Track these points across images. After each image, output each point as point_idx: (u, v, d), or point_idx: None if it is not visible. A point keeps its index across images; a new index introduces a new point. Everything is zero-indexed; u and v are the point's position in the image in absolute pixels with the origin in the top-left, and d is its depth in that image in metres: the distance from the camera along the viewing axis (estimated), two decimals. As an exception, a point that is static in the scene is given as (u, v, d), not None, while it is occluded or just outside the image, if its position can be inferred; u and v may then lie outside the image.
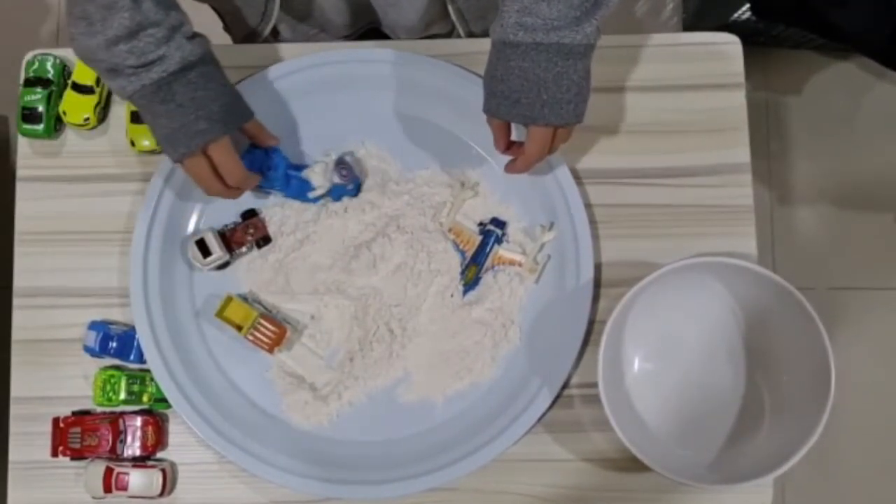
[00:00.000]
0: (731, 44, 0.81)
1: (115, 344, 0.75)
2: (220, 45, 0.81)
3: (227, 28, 0.96)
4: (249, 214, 0.77)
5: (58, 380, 0.77)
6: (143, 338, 0.74)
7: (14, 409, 0.77)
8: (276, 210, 0.78)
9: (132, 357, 0.75)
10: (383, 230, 0.76)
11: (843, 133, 1.54)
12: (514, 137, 0.71)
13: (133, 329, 0.75)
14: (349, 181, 0.76)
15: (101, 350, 0.75)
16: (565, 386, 0.75)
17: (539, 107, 0.64)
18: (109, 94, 0.81)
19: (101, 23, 0.61)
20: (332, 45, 0.81)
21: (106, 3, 0.60)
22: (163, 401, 0.75)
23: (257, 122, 0.73)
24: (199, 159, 0.67)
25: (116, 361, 0.76)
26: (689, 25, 1.54)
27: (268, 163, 0.74)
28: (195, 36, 0.66)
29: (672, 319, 0.76)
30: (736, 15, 1.39)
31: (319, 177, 0.76)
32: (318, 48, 0.80)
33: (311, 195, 0.76)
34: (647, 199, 0.79)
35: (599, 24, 0.63)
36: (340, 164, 0.76)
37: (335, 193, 0.77)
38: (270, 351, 0.74)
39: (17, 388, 0.77)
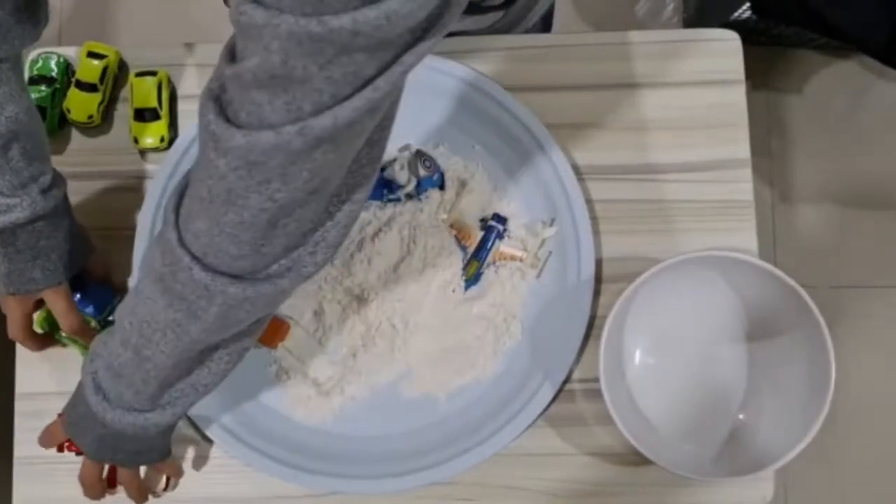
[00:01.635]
0: (730, 40, 0.81)
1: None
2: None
3: None
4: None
5: (62, 375, 0.77)
6: None
7: (19, 405, 0.77)
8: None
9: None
10: (385, 226, 0.77)
11: (845, 132, 1.54)
12: None
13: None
14: (433, 171, 0.76)
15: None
16: (567, 381, 0.76)
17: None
18: (113, 92, 0.81)
19: None
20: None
21: (35, 172, 0.63)
22: None
23: (102, 261, 0.75)
24: (21, 300, 0.68)
25: None
26: (690, 25, 1.55)
27: None
28: (52, 187, 0.65)
29: (673, 314, 0.77)
30: (736, 14, 1.39)
31: (405, 173, 0.75)
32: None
33: (401, 193, 0.76)
34: (647, 194, 0.79)
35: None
36: (421, 156, 0.76)
37: (422, 186, 0.77)
38: (272, 346, 0.75)
39: (21, 383, 0.77)
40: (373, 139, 0.48)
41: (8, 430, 0.77)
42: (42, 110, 0.79)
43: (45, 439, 0.69)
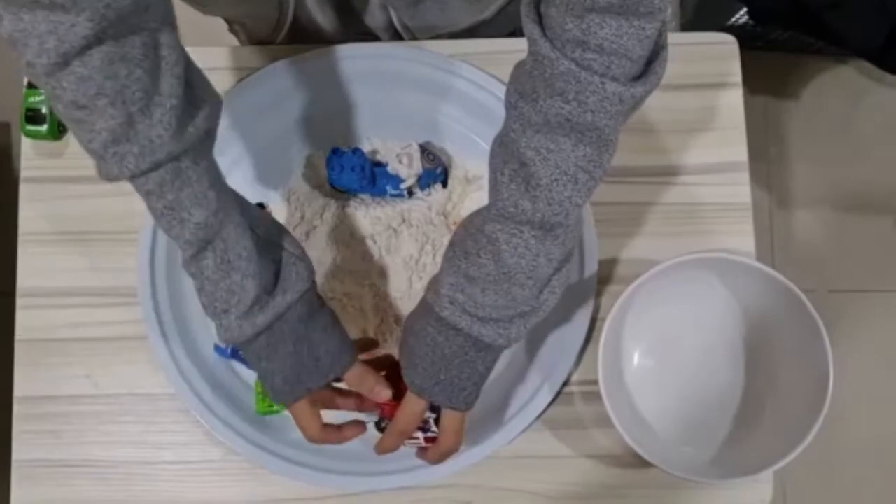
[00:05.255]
0: (727, 44, 0.82)
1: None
2: (228, 48, 0.82)
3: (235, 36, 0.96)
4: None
5: (60, 379, 0.77)
6: (152, 336, 0.75)
7: (17, 409, 0.77)
8: (284, 204, 0.78)
9: None
10: (389, 223, 0.77)
11: (842, 137, 1.55)
12: None
13: None
14: (436, 165, 0.76)
15: (232, 354, 0.75)
16: (566, 383, 0.76)
17: (431, 384, 0.61)
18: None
19: (237, 296, 0.58)
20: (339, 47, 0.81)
21: (233, 287, 0.58)
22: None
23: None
24: (305, 403, 0.63)
25: None
26: (687, 29, 1.55)
27: (351, 164, 0.75)
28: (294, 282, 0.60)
29: (671, 316, 0.77)
30: (733, 19, 1.40)
31: (406, 168, 0.76)
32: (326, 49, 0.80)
33: (403, 186, 0.76)
34: (645, 197, 0.79)
35: (526, 332, 0.60)
36: (424, 150, 0.76)
37: (425, 180, 0.77)
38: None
39: (20, 387, 0.77)
40: None
41: (5, 433, 0.77)
42: (42, 114, 0.79)
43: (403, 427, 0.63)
